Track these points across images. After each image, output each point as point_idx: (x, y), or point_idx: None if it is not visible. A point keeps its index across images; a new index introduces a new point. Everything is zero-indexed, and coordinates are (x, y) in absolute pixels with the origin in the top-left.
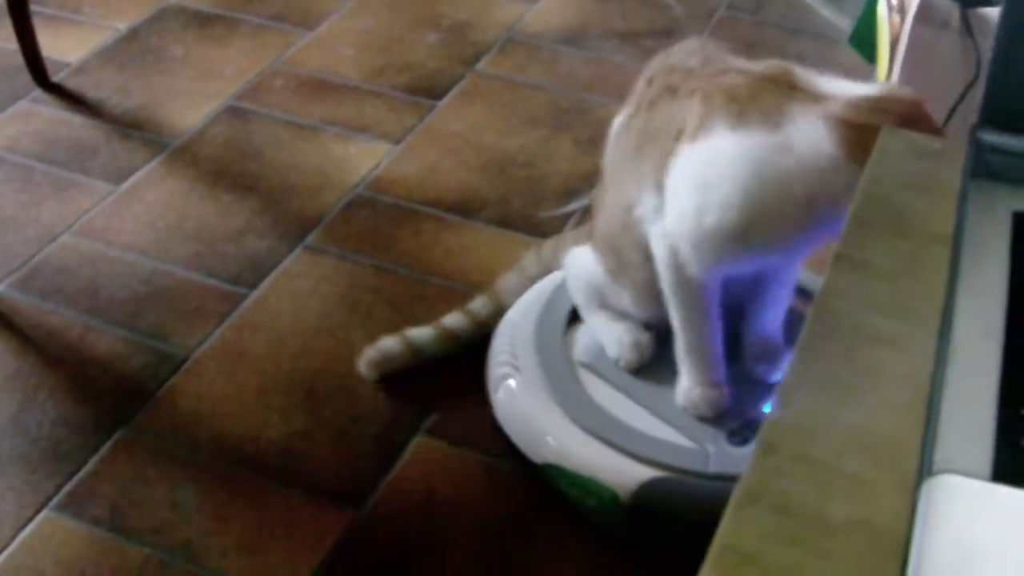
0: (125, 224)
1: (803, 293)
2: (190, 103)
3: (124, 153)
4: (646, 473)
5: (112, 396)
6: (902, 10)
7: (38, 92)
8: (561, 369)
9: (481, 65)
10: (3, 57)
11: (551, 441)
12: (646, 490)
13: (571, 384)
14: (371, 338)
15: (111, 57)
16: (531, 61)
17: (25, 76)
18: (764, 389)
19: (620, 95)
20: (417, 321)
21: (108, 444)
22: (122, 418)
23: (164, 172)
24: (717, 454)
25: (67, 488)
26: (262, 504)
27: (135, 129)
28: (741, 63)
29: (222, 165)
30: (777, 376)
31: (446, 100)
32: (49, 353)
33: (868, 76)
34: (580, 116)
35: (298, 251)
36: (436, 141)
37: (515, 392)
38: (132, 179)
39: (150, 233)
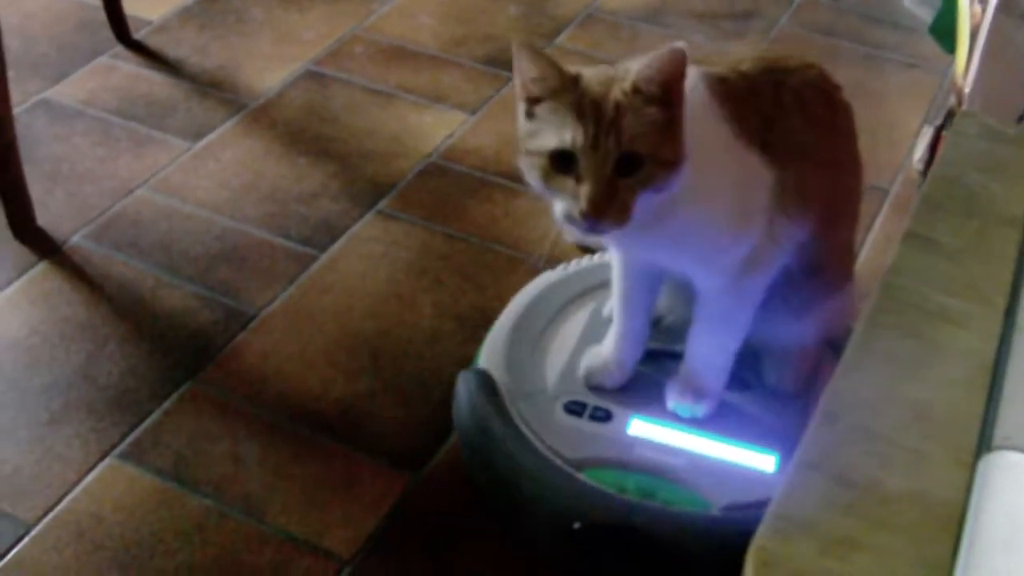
0: (200, 181)
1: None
2: (269, 66)
3: (201, 112)
4: None
5: (180, 350)
6: (983, 0)
7: (119, 48)
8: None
9: (560, 39)
10: (86, 12)
11: None
12: None
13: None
14: (438, 304)
15: (192, 17)
16: (610, 37)
17: (107, 32)
18: (657, 404)
19: None
20: (485, 290)
21: (174, 396)
22: (189, 371)
23: (241, 132)
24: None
25: (132, 437)
26: (323, 462)
27: (213, 89)
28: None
29: (298, 128)
30: (688, 414)
31: None
32: (120, 304)
33: (947, 66)
34: None
35: (370, 216)
36: (511, 113)
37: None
38: (208, 138)
39: (224, 192)
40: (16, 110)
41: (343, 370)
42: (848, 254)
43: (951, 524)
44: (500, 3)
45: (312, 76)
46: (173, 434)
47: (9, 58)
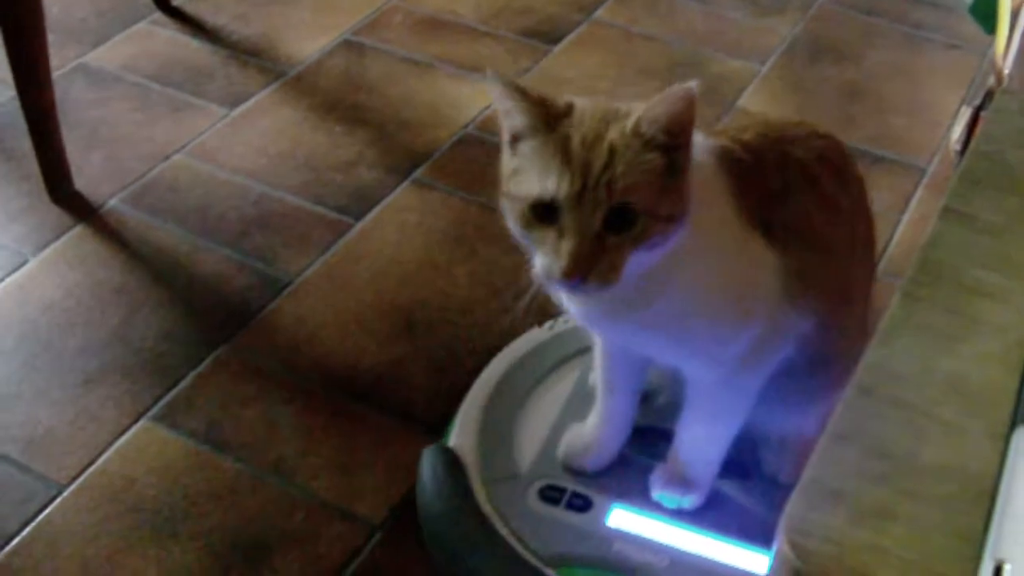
0: (237, 148)
1: None
2: (307, 34)
3: (240, 79)
4: None
5: (215, 314)
6: None
7: (158, 15)
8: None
9: (599, 13)
10: None
11: None
12: None
13: None
14: (473, 274)
15: None
16: (649, 12)
17: None
18: (643, 492)
19: (735, 51)
20: (519, 262)
21: (208, 360)
22: (223, 336)
23: (278, 100)
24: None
25: (165, 400)
26: (355, 428)
27: (252, 56)
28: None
29: (336, 97)
30: (674, 505)
31: (561, 46)
32: (156, 268)
33: (987, 47)
34: (694, 70)
35: (406, 185)
36: (549, 86)
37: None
38: (246, 104)
39: (261, 158)
40: (55, 74)
41: (377, 338)
42: (861, 339)
43: (984, 496)
44: None
45: (350, 45)
46: (206, 398)
47: (48, 23)
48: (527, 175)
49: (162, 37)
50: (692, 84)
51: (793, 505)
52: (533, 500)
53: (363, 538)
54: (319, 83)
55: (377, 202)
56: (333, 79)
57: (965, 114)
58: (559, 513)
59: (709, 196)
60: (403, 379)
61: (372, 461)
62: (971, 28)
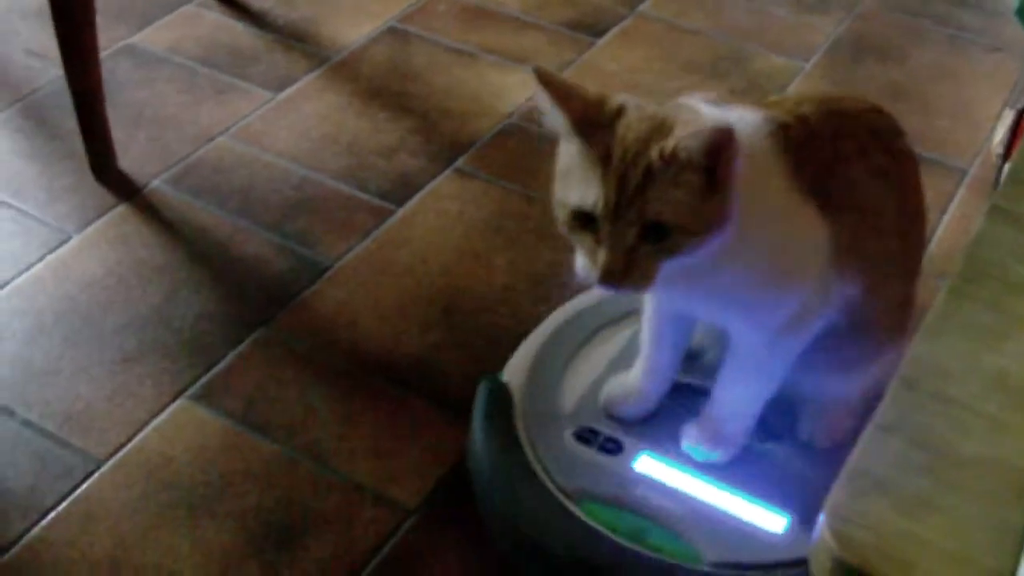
0: (281, 132)
1: None
2: (353, 20)
3: (285, 63)
4: None
5: (255, 296)
6: None
7: None
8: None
9: (644, 7)
10: None
11: None
12: None
13: None
14: (512, 263)
15: None
16: (694, 7)
17: None
18: (674, 442)
19: (779, 47)
20: (559, 251)
21: (247, 342)
22: (263, 318)
23: (322, 85)
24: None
25: (204, 380)
26: (392, 412)
27: (297, 41)
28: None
29: (380, 83)
30: (702, 458)
31: (606, 39)
32: (197, 249)
33: None
34: (737, 65)
35: (448, 172)
36: (592, 78)
37: None
38: (291, 89)
39: (305, 143)
40: (101, 55)
41: (415, 323)
42: (904, 311)
43: None
44: None
45: (395, 33)
46: (244, 379)
47: (96, 3)
48: (570, 181)
49: (208, 20)
50: (726, 126)
51: (836, 493)
52: (568, 438)
53: (397, 522)
54: (363, 69)
55: (419, 189)
56: (377, 66)
57: (1008, 117)
58: (590, 453)
59: (763, 173)
60: (440, 365)
61: (408, 446)
62: (1015, 31)
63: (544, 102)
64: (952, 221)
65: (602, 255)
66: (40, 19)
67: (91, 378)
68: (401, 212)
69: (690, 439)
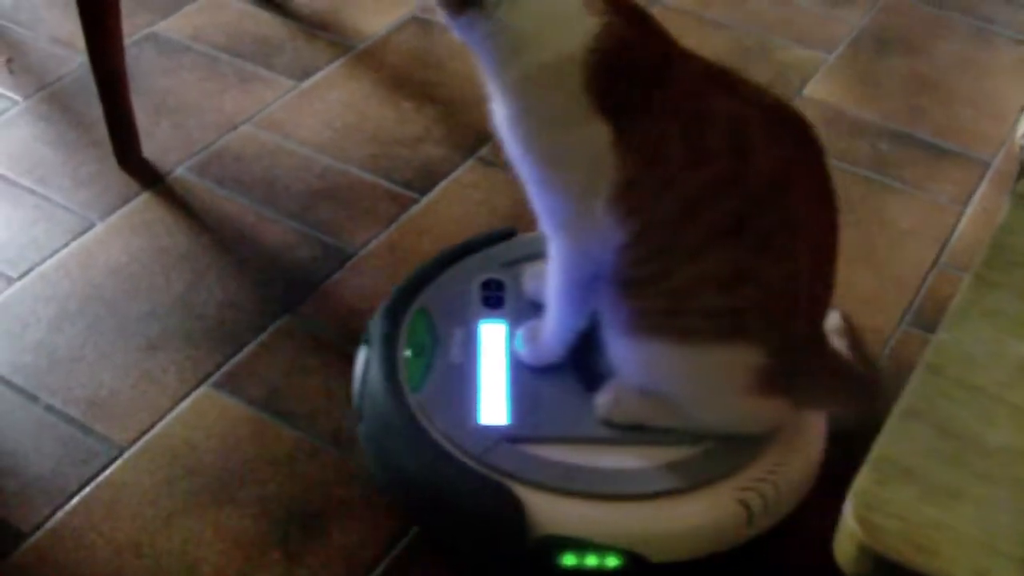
0: (304, 120)
1: None
2: (377, 9)
3: (308, 52)
4: None
5: (278, 284)
6: None
7: None
8: None
9: None
10: None
11: None
12: None
13: None
14: None
15: None
16: None
17: None
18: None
19: (803, 39)
20: None
21: (271, 329)
22: (286, 305)
23: (346, 74)
24: None
25: (227, 367)
26: None
27: (320, 30)
28: None
29: (404, 72)
30: (518, 346)
31: None
32: (221, 237)
33: None
34: (761, 56)
35: (471, 162)
36: None
37: None
38: (314, 77)
39: (328, 131)
40: (125, 42)
41: None
42: (687, 311)
43: None
44: None
45: (418, 22)
46: (268, 366)
47: None
48: None
49: (231, 8)
50: None
51: (861, 479)
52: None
53: None
54: (387, 58)
55: (442, 178)
56: (401, 55)
57: None
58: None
59: (553, 59)
60: None
61: None
62: None
63: None
64: (975, 214)
65: None
66: (65, 6)
67: (115, 365)
68: (424, 201)
69: (519, 336)
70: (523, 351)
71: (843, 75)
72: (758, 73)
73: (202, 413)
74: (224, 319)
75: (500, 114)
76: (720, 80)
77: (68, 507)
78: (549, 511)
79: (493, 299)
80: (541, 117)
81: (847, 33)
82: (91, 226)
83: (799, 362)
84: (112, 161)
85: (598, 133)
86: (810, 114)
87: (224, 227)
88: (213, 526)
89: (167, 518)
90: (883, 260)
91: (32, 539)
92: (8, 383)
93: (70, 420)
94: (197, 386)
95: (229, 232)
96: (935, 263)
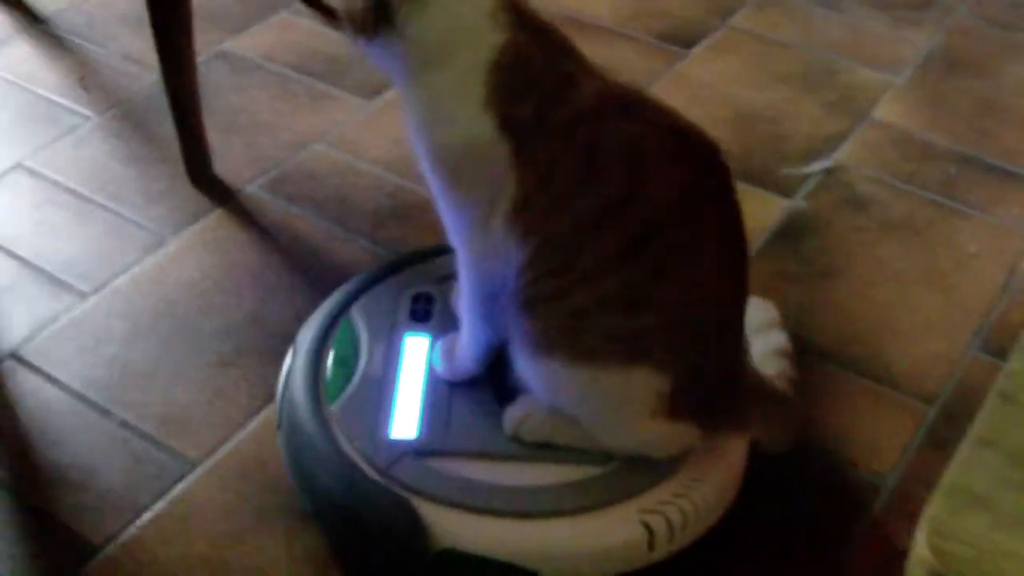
0: (374, 139)
1: None
2: None
3: (377, 71)
4: None
5: None
6: None
7: (297, 4)
8: None
9: (736, 19)
10: None
11: None
12: None
13: None
14: None
15: None
16: (786, 20)
17: None
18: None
19: (871, 61)
20: None
21: None
22: None
23: None
24: None
25: None
26: None
27: None
28: None
29: None
30: (436, 363)
31: (697, 50)
32: (292, 254)
33: None
34: (829, 78)
35: None
36: (684, 89)
37: None
38: (383, 96)
39: (397, 150)
40: (197, 60)
41: None
42: (582, 332)
43: None
44: None
45: None
46: None
47: (193, 9)
48: None
49: (301, 27)
50: None
51: (934, 507)
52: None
53: None
54: None
55: None
56: None
57: None
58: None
59: (458, 74)
60: None
61: None
62: None
63: None
64: None
65: None
66: (137, 24)
67: (187, 381)
68: None
69: (436, 350)
70: (439, 365)
71: (911, 97)
72: (826, 95)
73: (275, 430)
74: (294, 336)
75: (409, 127)
76: (623, 102)
77: (140, 521)
78: (447, 526)
79: (421, 313)
80: (445, 130)
81: (915, 55)
82: (163, 242)
83: (709, 387)
84: (184, 178)
85: (498, 149)
86: (879, 137)
87: (295, 245)
88: (284, 542)
89: (239, 535)
90: (950, 284)
91: (104, 552)
92: (82, 398)
93: (143, 435)
94: (269, 402)
95: (300, 250)
96: (1004, 288)
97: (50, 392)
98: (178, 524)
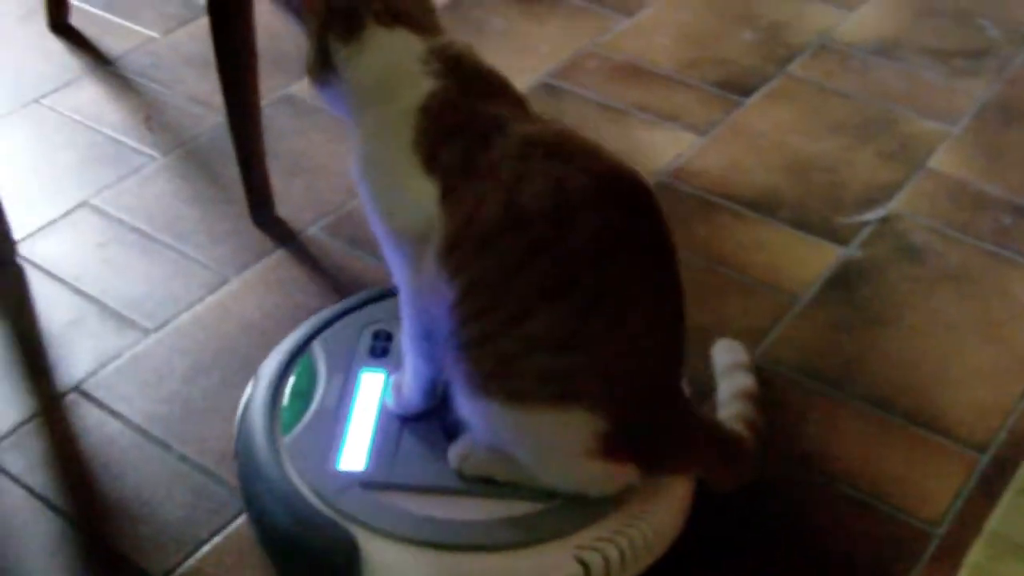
0: None
1: None
2: (507, 75)
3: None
4: None
5: None
6: None
7: None
8: None
9: (792, 67)
10: None
11: None
12: None
13: None
14: None
15: None
16: (842, 68)
17: None
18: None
19: (927, 111)
20: (704, 306)
21: None
22: None
23: None
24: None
25: None
26: None
27: None
28: None
29: None
30: (388, 399)
31: (754, 98)
32: (352, 295)
33: None
34: (885, 128)
35: None
36: (740, 137)
37: None
38: None
39: None
40: (262, 103)
41: None
42: (512, 375)
43: None
44: (736, 28)
45: (547, 88)
46: None
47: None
48: None
49: None
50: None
51: (976, 554)
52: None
53: None
54: None
55: None
56: None
57: None
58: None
59: (390, 117)
60: None
61: None
62: None
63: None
64: None
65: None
66: (203, 66)
67: None
68: None
69: (388, 386)
70: (390, 400)
71: (967, 147)
72: (881, 144)
73: None
74: None
75: (352, 167)
76: (551, 144)
77: (199, 554)
78: (385, 558)
79: (379, 349)
80: (378, 169)
81: (971, 105)
82: (226, 281)
83: (647, 428)
84: (247, 219)
85: (426, 189)
86: (934, 187)
87: (355, 286)
88: None
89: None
90: (1003, 335)
91: None
92: (144, 432)
93: (202, 470)
94: None
95: (359, 291)
96: None
97: (113, 426)
98: (236, 558)
